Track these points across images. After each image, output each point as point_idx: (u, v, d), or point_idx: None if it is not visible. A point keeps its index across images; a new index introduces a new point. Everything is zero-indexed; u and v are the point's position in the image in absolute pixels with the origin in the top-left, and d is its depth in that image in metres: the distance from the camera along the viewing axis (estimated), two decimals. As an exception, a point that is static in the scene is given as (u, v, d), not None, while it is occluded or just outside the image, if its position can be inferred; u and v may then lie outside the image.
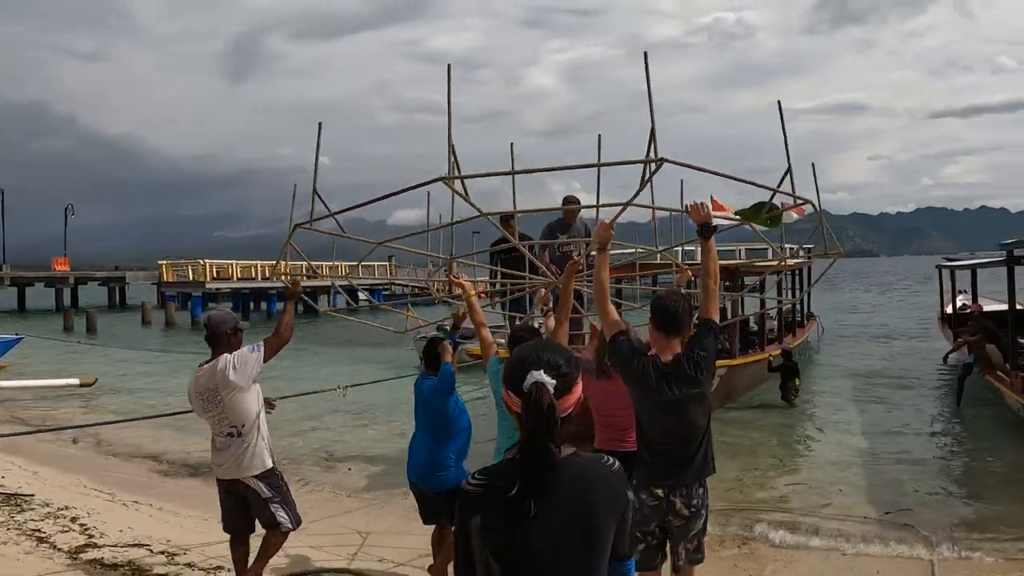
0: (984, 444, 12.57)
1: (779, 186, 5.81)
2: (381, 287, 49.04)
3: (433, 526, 6.43)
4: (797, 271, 21.97)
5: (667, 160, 4.74)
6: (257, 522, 5.98)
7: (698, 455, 4.50)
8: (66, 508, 8.80)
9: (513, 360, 2.52)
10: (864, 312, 43.76)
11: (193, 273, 50.87)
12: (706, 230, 4.71)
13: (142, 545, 7.53)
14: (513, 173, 6.03)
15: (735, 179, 5.93)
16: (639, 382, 4.50)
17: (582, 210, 10.18)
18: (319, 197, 5.94)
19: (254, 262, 56.23)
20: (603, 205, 6.68)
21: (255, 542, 6.09)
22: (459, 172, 5.32)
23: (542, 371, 2.40)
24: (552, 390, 2.38)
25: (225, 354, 5.72)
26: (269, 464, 5.83)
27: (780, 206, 6.82)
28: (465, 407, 6.38)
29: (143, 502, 9.64)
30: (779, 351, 16.59)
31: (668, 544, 4.62)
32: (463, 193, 5.50)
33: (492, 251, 9.29)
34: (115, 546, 7.47)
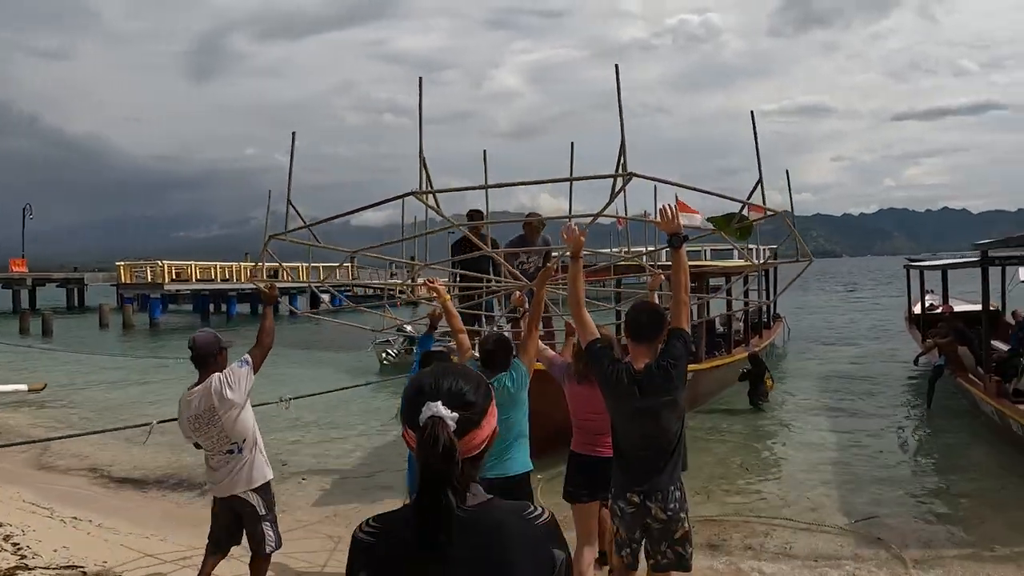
0: (955, 449, 12.34)
1: (749, 197, 5.83)
2: (344, 289, 48.48)
3: None
4: (763, 272, 21.71)
5: (636, 175, 4.80)
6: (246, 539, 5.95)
7: (672, 460, 4.57)
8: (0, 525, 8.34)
9: (410, 388, 2.07)
10: (830, 313, 43.87)
11: (151, 275, 49.85)
12: (676, 240, 4.73)
13: (76, 567, 7.13)
14: (486, 187, 6.15)
15: (705, 192, 6.05)
16: (614, 389, 4.61)
17: (545, 226, 10.28)
18: (293, 208, 6.05)
19: (213, 263, 55.44)
20: (574, 216, 6.51)
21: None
22: (431, 186, 5.34)
23: (440, 402, 1.95)
24: (453, 425, 1.94)
25: (216, 374, 5.69)
26: (269, 475, 5.90)
27: (749, 216, 6.74)
28: None
29: (83, 518, 9.15)
30: (746, 354, 16.28)
31: (648, 547, 4.67)
32: (435, 206, 5.53)
33: (458, 258, 9.09)
34: (47, 568, 7.07)
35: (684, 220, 5.33)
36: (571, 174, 6.31)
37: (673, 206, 4.82)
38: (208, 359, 5.75)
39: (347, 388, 11.45)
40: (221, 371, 5.72)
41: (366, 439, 13.85)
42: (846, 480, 10.57)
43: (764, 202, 5.75)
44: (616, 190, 4.99)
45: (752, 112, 6.03)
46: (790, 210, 6.29)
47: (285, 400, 9.44)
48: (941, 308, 18.61)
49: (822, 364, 22.74)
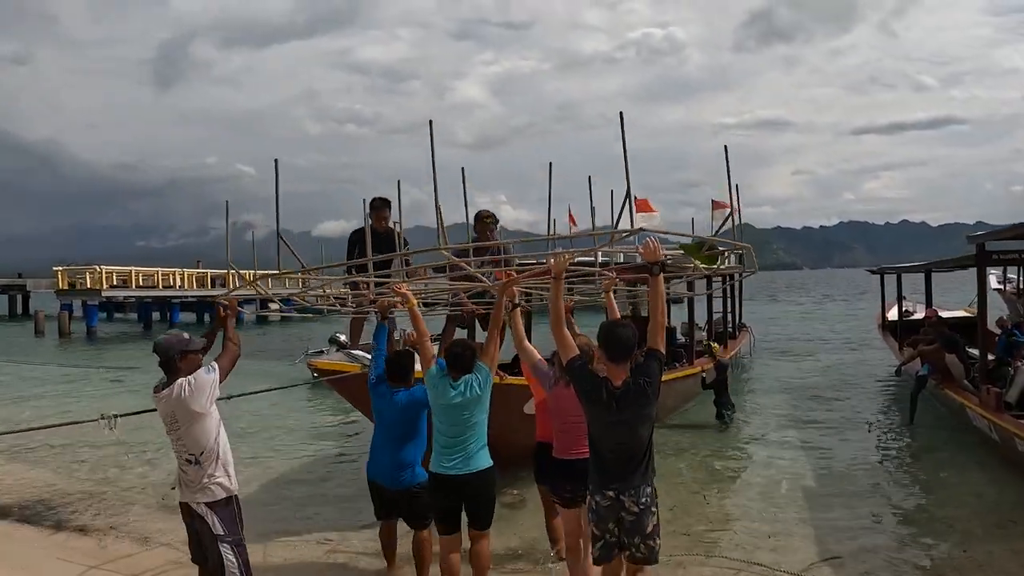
0: (943, 471, 10.96)
1: (721, 227, 6.57)
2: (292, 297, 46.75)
3: (381, 523, 6.99)
4: (727, 277, 20.37)
5: (644, 230, 5.33)
6: None
7: (643, 462, 5.04)
8: None
9: None
10: (795, 322, 43.07)
11: (90, 280, 47.66)
12: (657, 268, 5.09)
13: None
14: (502, 244, 7.34)
15: (692, 236, 6.49)
16: (594, 405, 5.05)
17: (498, 222, 10.12)
18: (285, 243, 6.37)
19: (156, 270, 53.34)
20: (578, 263, 7.04)
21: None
22: (446, 242, 6.38)
23: None
24: None
25: (181, 379, 5.44)
26: (223, 494, 5.51)
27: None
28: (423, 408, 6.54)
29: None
30: (711, 364, 14.84)
31: (623, 539, 5.06)
32: (455, 259, 6.56)
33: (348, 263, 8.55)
34: None
35: (642, 221, 6.09)
36: (549, 190, 7.07)
37: (655, 239, 5.20)
38: (171, 364, 5.51)
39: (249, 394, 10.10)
40: (188, 375, 5.45)
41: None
42: (814, 510, 9.21)
43: (735, 237, 6.24)
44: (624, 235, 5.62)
45: (726, 147, 6.40)
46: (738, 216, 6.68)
47: (109, 418, 7.49)
48: (924, 313, 17.23)
49: (791, 375, 21.45)
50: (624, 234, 5.45)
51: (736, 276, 20.49)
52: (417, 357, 6.62)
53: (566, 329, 5.40)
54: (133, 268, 51.92)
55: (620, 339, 5.02)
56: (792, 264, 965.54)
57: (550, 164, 7.35)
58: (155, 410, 5.65)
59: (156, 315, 52.12)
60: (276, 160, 6.22)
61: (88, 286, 47.36)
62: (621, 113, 5.13)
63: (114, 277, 49.63)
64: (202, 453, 5.44)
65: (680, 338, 19.26)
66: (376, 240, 8.40)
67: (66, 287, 48.44)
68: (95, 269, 47.96)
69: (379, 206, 9.39)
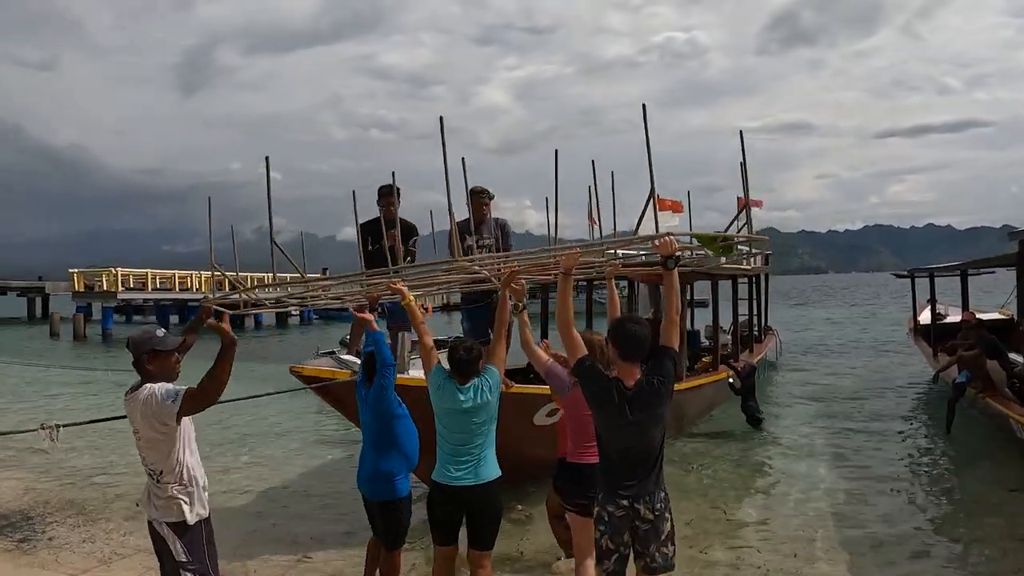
0: (984, 486, 10.13)
1: (734, 220, 5.91)
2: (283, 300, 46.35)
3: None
4: (753, 278, 19.54)
5: (671, 234, 4.92)
6: None
7: (656, 466, 4.79)
8: None
9: None
10: (821, 326, 42.09)
11: (106, 283, 47.28)
12: (672, 262, 4.86)
13: None
14: (522, 256, 6.37)
15: (709, 235, 5.85)
16: (605, 406, 4.78)
17: (493, 197, 9.92)
18: (278, 246, 6.05)
19: (173, 272, 52.96)
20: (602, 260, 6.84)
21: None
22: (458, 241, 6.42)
23: None
24: None
25: (148, 385, 4.76)
26: (183, 517, 4.84)
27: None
28: (407, 413, 6.14)
29: None
30: (742, 366, 14.11)
31: (638, 549, 4.79)
32: (474, 269, 6.25)
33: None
34: None
35: (670, 219, 6.13)
36: (556, 180, 6.55)
37: (671, 240, 4.89)
38: (139, 363, 4.85)
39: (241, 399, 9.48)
40: (155, 382, 4.75)
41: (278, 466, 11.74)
42: (845, 529, 8.44)
43: (751, 231, 5.73)
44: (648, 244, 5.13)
45: (741, 131, 5.96)
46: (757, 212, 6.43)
47: (50, 428, 6.46)
48: (961, 316, 16.36)
49: (818, 381, 20.58)
50: (647, 240, 5.02)
51: (754, 261, 19.73)
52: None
53: (575, 330, 5.12)
54: (149, 271, 51.56)
55: (634, 336, 4.81)
56: (817, 268, 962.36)
57: (555, 152, 6.82)
58: (102, 421, 5.02)
59: (175, 318, 51.60)
60: (267, 158, 5.87)
61: (104, 288, 47.02)
62: (644, 105, 4.76)
63: (131, 280, 49.31)
64: (162, 472, 4.84)
65: (704, 341, 18.50)
66: (386, 229, 8.04)
67: (82, 289, 48.14)
68: (111, 271, 47.54)
69: (386, 193, 9.03)
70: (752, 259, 19.98)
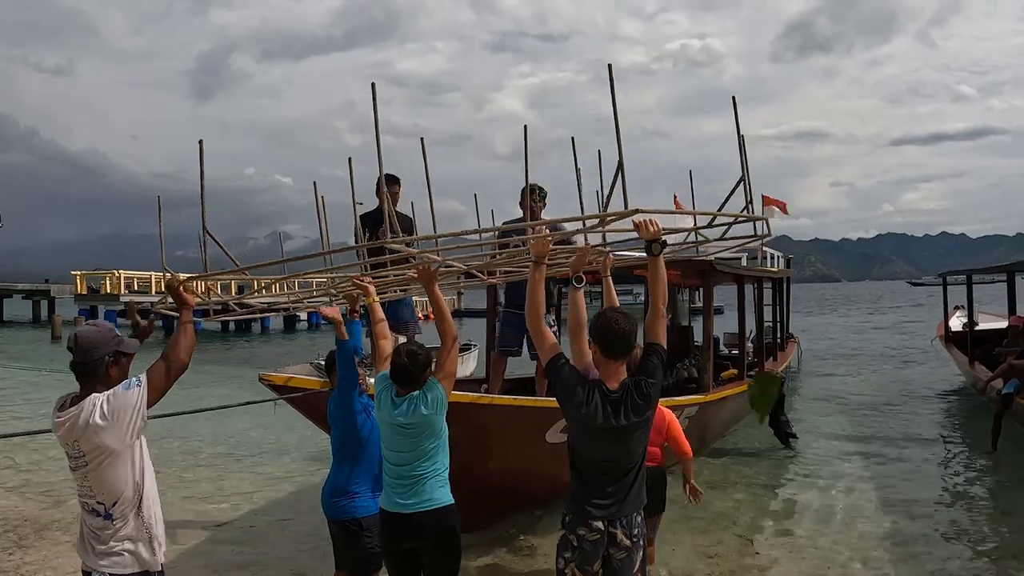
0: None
1: (729, 197, 5.13)
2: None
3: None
4: (777, 281, 18.51)
5: (640, 210, 4.27)
6: None
7: (636, 483, 4.33)
8: None
9: None
10: (841, 333, 41.10)
11: (109, 285, 46.51)
12: (656, 247, 4.43)
13: None
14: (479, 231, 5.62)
15: (697, 214, 5.33)
16: (581, 409, 4.24)
17: (547, 194, 8.96)
18: (216, 242, 5.41)
19: (177, 274, 51.76)
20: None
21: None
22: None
23: None
24: None
25: (95, 394, 3.76)
26: (137, 568, 3.86)
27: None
28: (376, 425, 5.22)
29: None
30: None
31: None
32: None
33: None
34: None
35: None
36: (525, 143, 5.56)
37: (652, 220, 4.47)
38: (95, 369, 3.83)
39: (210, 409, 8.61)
40: (107, 389, 3.77)
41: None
42: (886, 568, 7.38)
43: (751, 202, 5.08)
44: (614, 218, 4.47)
45: (733, 98, 5.24)
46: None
47: None
48: (1008, 321, 15.27)
49: (844, 391, 19.45)
50: (615, 217, 4.36)
51: (777, 264, 18.74)
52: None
53: (545, 325, 4.61)
54: (153, 273, 50.47)
55: (619, 330, 4.28)
56: (830, 276, 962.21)
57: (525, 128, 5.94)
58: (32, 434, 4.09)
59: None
60: (200, 141, 4.96)
61: (108, 291, 46.27)
62: (610, 65, 4.17)
63: (135, 282, 48.52)
64: (115, 504, 3.83)
65: (723, 349, 17.47)
66: (377, 221, 7.52)
67: (85, 292, 47.45)
68: (113, 274, 46.82)
69: (388, 182, 8.15)
70: (776, 262, 19.05)
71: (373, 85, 4.44)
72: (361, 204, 7.86)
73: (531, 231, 5.08)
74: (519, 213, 8.50)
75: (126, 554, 3.85)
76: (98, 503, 3.84)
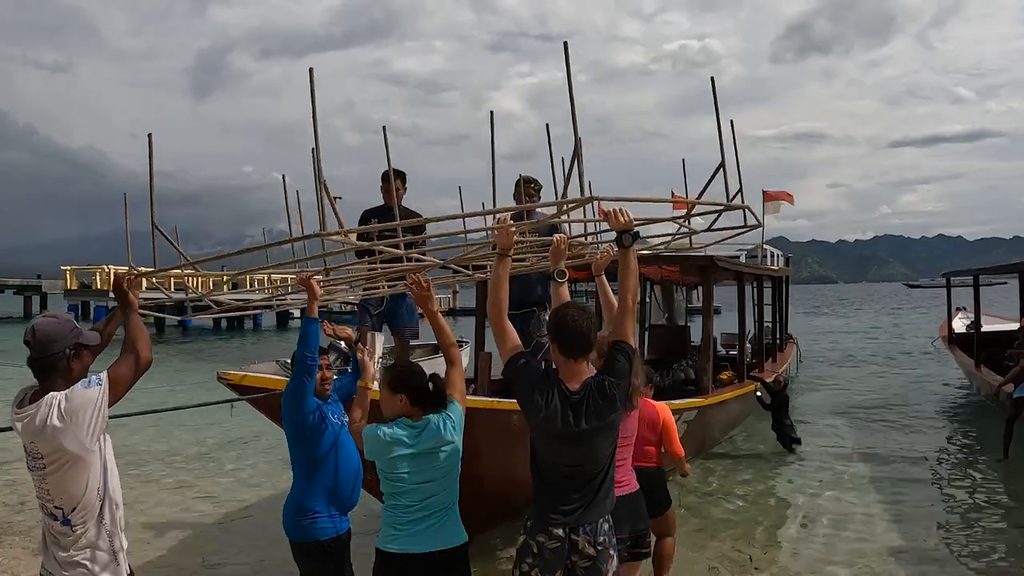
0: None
1: (708, 184, 4.98)
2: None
3: None
4: (776, 280, 18.06)
5: (596, 198, 4.10)
6: None
7: (602, 489, 4.09)
8: None
9: None
10: (839, 335, 40.60)
11: (99, 281, 45.99)
12: (628, 238, 4.18)
13: None
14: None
15: (656, 200, 4.89)
16: (540, 413, 4.01)
17: (541, 187, 8.78)
18: (164, 235, 4.94)
19: (173, 270, 51.42)
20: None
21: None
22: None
23: None
24: None
25: (54, 393, 3.49)
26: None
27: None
28: (343, 436, 4.93)
29: None
30: (773, 379, 12.69)
31: None
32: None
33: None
34: None
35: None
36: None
37: (622, 210, 4.19)
38: (54, 363, 3.57)
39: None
40: (67, 387, 3.52)
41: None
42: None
43: (744, 201, 4.84)
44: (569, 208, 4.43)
45: (712, 79, 5.07)
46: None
47: None
48: (1020, 323, 14.83)
49: (845, 393, 18.95)
50: (573, 204, 4.22)
51: (778, 263, 18.29)
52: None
53: (507, 322, 4.32)
54: (141, 268, 49.93)
55: (577, 328, 4.07)
56: (827, 278, 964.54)
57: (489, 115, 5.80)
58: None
59: (175, 320, 50.00)
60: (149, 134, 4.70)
61: (97, 287, 45.76)
62: (565, 43, 3.91)
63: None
64: (74, 509, 3.58)
65: (720, 350, 17.00)
66: (388, 216, 7.33)
67: (75, 288, 46.95)
68: (103, 269, 46.29)
69: (386, 177, 8.20)
70: (776, 260, 18.60)
71: (311, 70, 3.99)
72: (339, 198, 7.45)
73: (495, 220, 4.67)
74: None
75: (87, 563, 3.60)
76: (56, 507, 3.60)
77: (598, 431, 4.02)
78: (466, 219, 5.04)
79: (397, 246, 5.46)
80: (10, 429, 3.78)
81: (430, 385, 4.29)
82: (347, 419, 5.08)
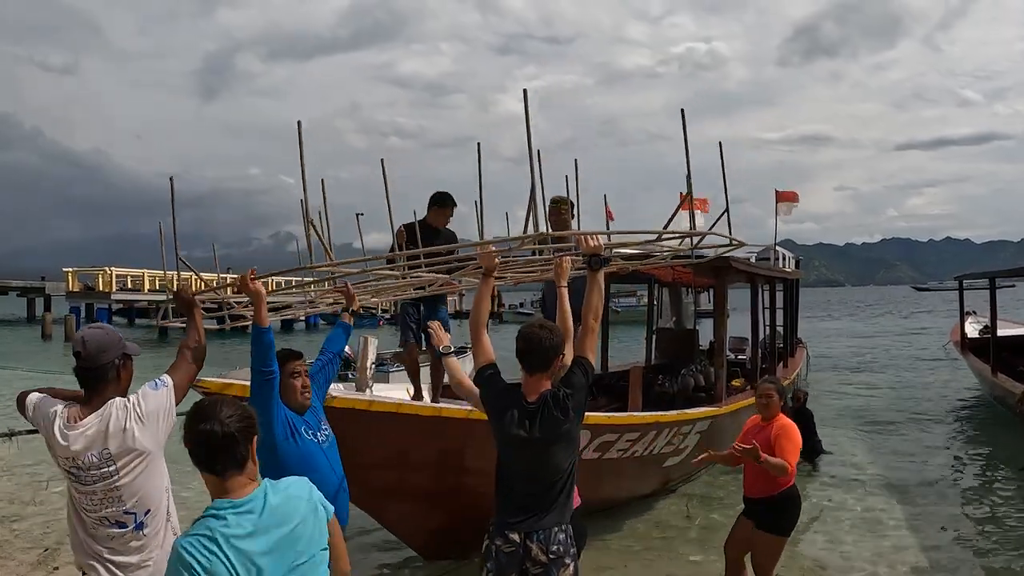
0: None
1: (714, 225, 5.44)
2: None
3: None
4: (787, 283, 17.66)
5: (551, 234, 4.74)
6: None
7: (559, 499, 4.21)
8: None
9: None
10: (848, 339, 40.13)
11: (101, 283, 45.76)
12: (597, 262, 4.51)
13: None
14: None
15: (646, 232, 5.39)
16: (501, 419, 4.27)
17: (573, 205, 7.78)
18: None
19: (172, 272, 51.21)
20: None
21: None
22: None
23: None
24: None
25: (117, 399, 3.58)
26: None
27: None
28: (301, 444, 4.65)
29: None
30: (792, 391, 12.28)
31: None
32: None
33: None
34: None
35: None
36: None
37: (592, 235, 4.59)
38: (104, 373, 3.62)
39: None
40: (123, 394, 3.66)
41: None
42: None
43: (731, 230, 5.19)
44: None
45: (684, 116, 5.29)
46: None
47: None
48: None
49: (857, 400, 18.55)
50: (527, 240, 4.69)
51: (790, 265, 17.93)
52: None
53: (485, 334, 4.62)
54: (145, 271, 49.51)
55: (538, 344, 4.25)
56: (834, 281, 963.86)
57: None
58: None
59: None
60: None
61: (100, 289, 45.55)
62: (524, 91, 4.16)
63: (128, 280, 47.85)
64: (148, 512, 3.62)
65: (729, 354, 16.62)
66: (431, 237, 7.15)
67: (76, 289, 46.74)
68: (105, 271, 46.09)
69: (437, 201, 8.01)
70: (789, 263, 18.22)
71: (299, 123, 4.25)
72: (362, 215, 7.36)
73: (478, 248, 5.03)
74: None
75: (163, 563, 3.32)
76: (127, 512, 3.60)
77: (555, 440, 4.19)
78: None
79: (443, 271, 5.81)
80: (33, 432, 3.89)
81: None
82: (330, 432, 4.93)
